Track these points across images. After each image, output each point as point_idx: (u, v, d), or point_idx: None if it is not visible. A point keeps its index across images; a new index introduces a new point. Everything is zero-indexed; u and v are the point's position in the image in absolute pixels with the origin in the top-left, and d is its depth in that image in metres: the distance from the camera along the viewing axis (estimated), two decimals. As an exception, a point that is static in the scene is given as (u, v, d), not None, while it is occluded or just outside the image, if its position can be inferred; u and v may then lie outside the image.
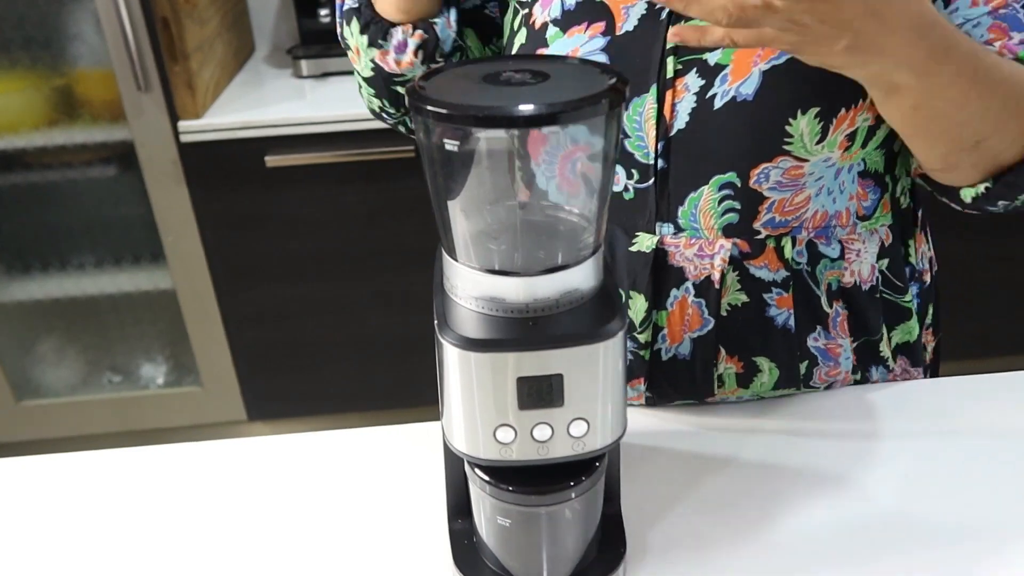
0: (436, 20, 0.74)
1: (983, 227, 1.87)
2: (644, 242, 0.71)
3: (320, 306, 1.84)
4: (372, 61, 0.76)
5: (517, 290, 0.46)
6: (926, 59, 0.55)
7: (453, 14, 0.76)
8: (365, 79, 0.79)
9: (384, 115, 0.84)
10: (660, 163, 0.69)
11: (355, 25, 0.75)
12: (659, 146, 0.68)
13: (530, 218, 0.49)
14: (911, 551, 0.61)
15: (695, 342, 0.73)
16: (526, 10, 0.73)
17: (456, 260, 0.48)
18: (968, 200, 0.72)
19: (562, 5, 0.69)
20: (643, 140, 0.68)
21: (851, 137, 0.66)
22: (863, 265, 0.74)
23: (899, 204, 0.79)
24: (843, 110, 0.65)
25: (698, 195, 0.69)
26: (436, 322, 0.48)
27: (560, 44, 0.69)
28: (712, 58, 0.65)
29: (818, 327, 0.74)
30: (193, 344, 1.87)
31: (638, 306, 0.72)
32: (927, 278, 0.82)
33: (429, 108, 0.42)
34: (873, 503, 0.66)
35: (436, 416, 0.56)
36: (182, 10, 1.54)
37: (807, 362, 0.75)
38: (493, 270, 0.46)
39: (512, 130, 0.42)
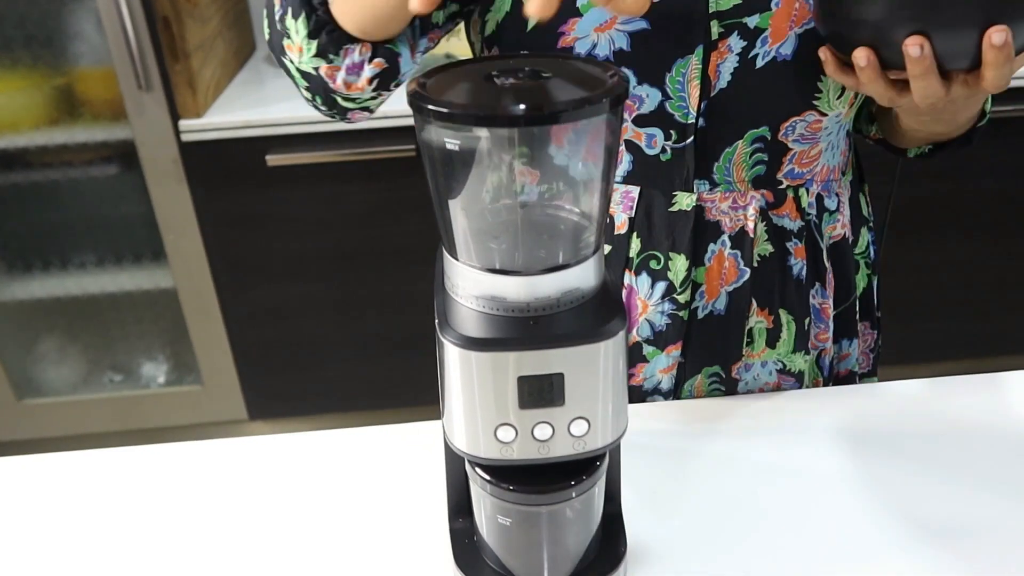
0: (400, 50, 0.68)
1: (984, 228, 1.87)
2: (683, 200, 0.73)
3: (321, 305, 1.84)
4: (316, 70, 0.68)
5: (518, 289, 0.46)
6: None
7: (423, 43, 0.71)
8: (300, 72, 0.70)
9: (316, 108, 0.74)
10: (701, 122, 0.71)
11: (302, 23, 0.65)
12: (701, 105, 0.70)
13: (531, 217, 0.49)
14: (911, 551, 0.61)
15: (730, 295, 0.76)
16: None
17: (457, 259, 0.48)
18: (911, 156, 0.83)
19: None
20: (684, 101, 0.70)
21: (856, 94, 0.73)
22: (847, 218, 0.81)
23: (855, 159, 0.86)
24: None
25: (732, 149, 0.72)
26: (437, 321, 0.48)
27: (595, 13, 0.67)
28: (751, 22, 0.67)
29: (817, 283, 0.79)
30: (194, 343, 1.87)
31: (678, 266, 0.74)
32: (872, 224, 0.89)
33: (431, 108, 0.42)
34: (874, 503, 0.66)
35: (437, 415, 0.56)
36: (183, 9, 1.54)
37: (808, 318, 0.79)
38: (494, 269, 0.46)
39: (513, 129, 0.42)
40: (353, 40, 0.66)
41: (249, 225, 1.72)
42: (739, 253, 0.75)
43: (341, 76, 0.67)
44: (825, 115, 0.71)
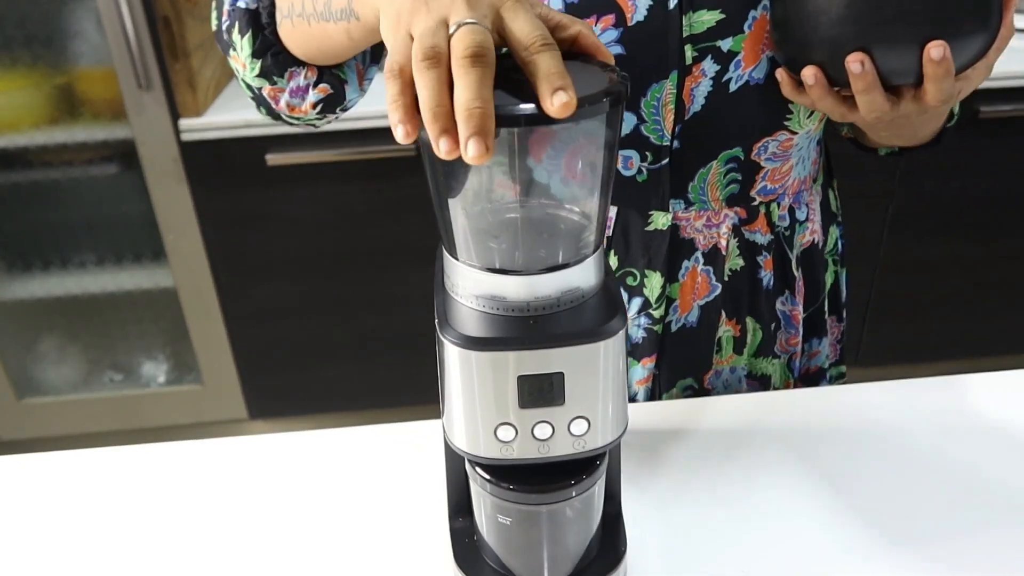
0: (347, 77, 0.67)
1: (984, 228, 1.87)
2: (659, 220, 0.75)
3: (321, 304, 1.84)
4: (259, 89, 0.66)
5: (518, 288, 0.46)
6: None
7: (372, 71, 0.69)
8: (244, 83, 0.68)
9: (260, 110, 0.71)
10: (676, 144, 0.72)
11: (247, 41, 0.64)
12: (675, 128, 0.71)
13: (531, 216, 0.49)
14: (911, 550, 0.61)
15: (702, 308, 0.78)
16: None
17: (457, 258, 0.48)
18: (881, 154, 0.84)
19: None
20: (659, 124, 0.71)
21: None
22: (817, 223, 0.82)
23: (825, 161, 0.88)
24: None
25: (707, 170, 0.73)
26: (436, 320, 0.48)
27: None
28: (725, 45, 0.68)
29: (786, 291, 0.82)
30: (194, 342, 1.87)
31: (654, 283, 0.76)
32: (840, 219, 0.91)
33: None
34: (874, 502, 0.66)
35: (437, 415, 0.56)
36: (183, 8, 1.54)
37: (774, 324, 0.82)
38: (494, 268, 0.46)
39: (514, 129, 0.42)
40: (299, 63, 0.64)
41: (249, 225, 1.72)
42: (711, 269, 0.77)
43: (284, 98, 0.66)
44: (796, 133, 0.74)
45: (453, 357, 0.47)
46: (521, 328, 0.46)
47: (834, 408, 0.76)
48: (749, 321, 0.81)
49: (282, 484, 0.70)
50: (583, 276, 0.48)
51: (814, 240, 0.83)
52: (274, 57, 0.64)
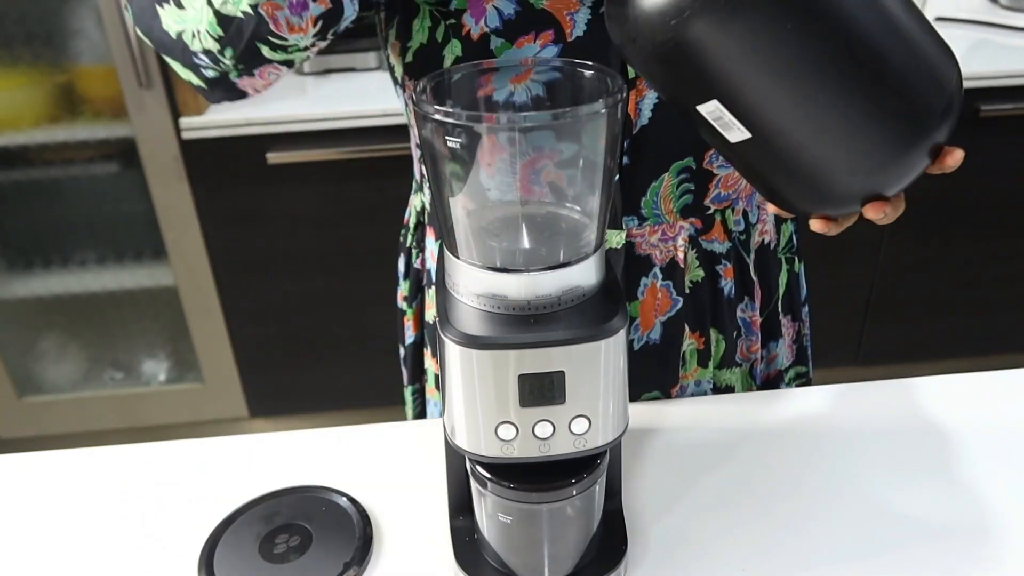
0: None
1: (984, 227, 1.87)
2: (613, 239, 0.73)
3: (322, 303, 1.84)
4: (252, 8, 0.58)
5: (519, 287, 0.46)
6: None
7: None
8: (216, 19, 0.59)
9: (206, 83, 0.64)
10: (625, 160, 0.70)
11: None
12: (624, 144, 0.70)
13: (532, 215, 0.49)
14: (911, 549, 0.61)
15: (664, 324, 0.77)
16: (451, 20, 0.66)
17: (458, 257, 0.48)
18: None
19: (500, 15, 0.65)
20: None
21: None
22: (769, 223, 0.81)
23: None
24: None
25: (659, 183, 0.72)
26: (437, 319, 0.48)
27: (510, 55, 0.66)
28: None
29: (745, 297, 0.80)
30: (195, 341, 1.87)
31: None
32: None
33: (432, 108, 0.43)
34: (874, 501, 0.66)
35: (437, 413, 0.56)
36: (184, 7, 1.53)
37: (735, 332, 0.81)
38: (495, 267, 0.47)
39: (514, 129, 0.42)
40: None
41: (250, 223, 1.72)
42: (671, 283, 0.76)
43: (284, 15, 0.59)
44: None
45: (454, 356, 0.47)
46: (522, 327, 0.47)
47: (834, 407, 0.76)
48: (712, 332, 0.80)
49: (282, 483, 0.70)
50: (584, 275, 0.48)
51: (764, 241, 0.81)
52: None
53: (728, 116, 0.49)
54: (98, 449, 0.76)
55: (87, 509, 0.69)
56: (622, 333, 0.48)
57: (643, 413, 0.77)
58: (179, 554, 0.64)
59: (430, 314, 0.88)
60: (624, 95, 0.45)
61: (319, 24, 0.60)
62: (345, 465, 0.72)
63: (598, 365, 0.47)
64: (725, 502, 0.66)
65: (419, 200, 0.87)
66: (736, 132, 0.50)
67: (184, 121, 1.59)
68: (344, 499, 0.67)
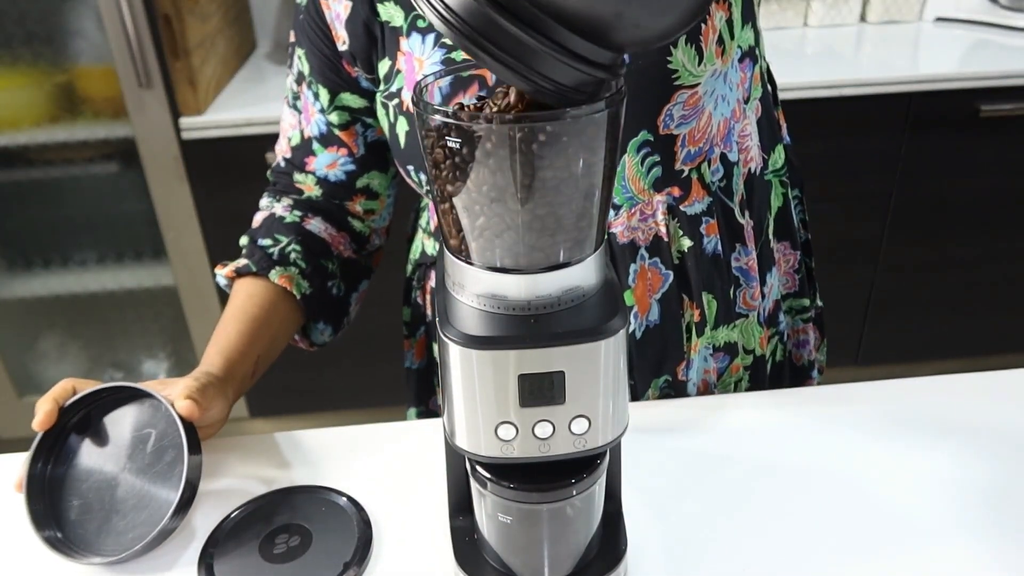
0: (312, 335, 0.88)
1: (984, 227, 1.87)
2: None
3: (321, 303, 1.84)
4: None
5: (519, 287, 0.46)
6: None
7: (320, 324, 0.88)
8: None
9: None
10: None
11: None
12: None
13: (532, 215, 0.49)
14: (911, 549, 0.62)
15: (660, 302, 0.76)
16: (395, 100, 0.73)
17: (458, 258, 0.48)
18: None
19: (439, 91, 0.66)
20: None
21: (720, 40, 0.70)
22: (754, 148, 0.79)
23: (762, 73, 0.81)
24: (703, 24, 0.68)
25: (621, 167, 0.71)
26: (438, 319, 0.48)
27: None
28: None
29: (737, 245, 0.78)
30: (194, 340, 1.87)
31: None
32: (784, 135, 0.86)
33: (435, 109, 0.43)
34: (874, 501, 0.66)
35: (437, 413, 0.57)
36: (184, 6, 1.53)
37: (732, 287, 0.79)
38: (495, 267, 0.47)
39: (514, 129, 0.42)
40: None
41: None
42: (658, 259, 0.75)
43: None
44: (696, 85, 0.69)
45: (454, 356, 0.47)
46: (522, 327, 0.47)
47: (834, 407, 0.76)
48: (704, 295, 0.78)
49: (282, 483, 0.70)
50: (584, 275, 0.48)
51: (751, 169, 0.78)
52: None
53: None
54: (98, 449, 0.75)
55: (87, 509, 0.69)
56: (622, 333, 0.48)
57: (643, 413, 0.77)
58: (179, 554, 0.64)
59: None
60: (623, 94, 0.45)
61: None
62: (345, 465, 0.72)
63: (598, 365, 0.47)
64: (725, 502, 0.66)
65: (419, 245, 0.91)
66: None
67: (184, 121, 1.59)
68: (344, 499, 0.67)
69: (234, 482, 0.71)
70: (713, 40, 0.69)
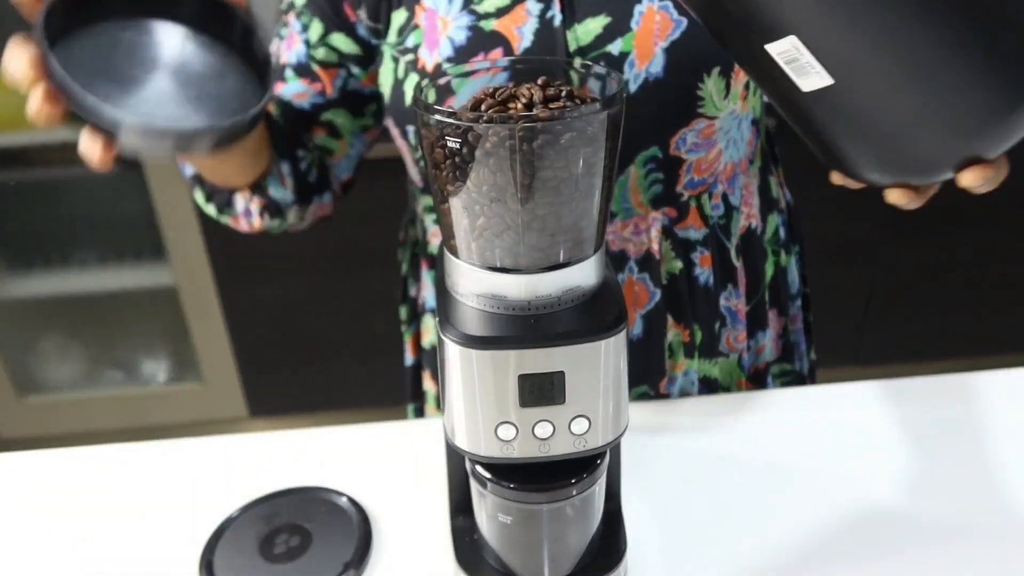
0: (267, 182, 0.72)
1: (984, 227, 1.87)
2: None
3: (321, 303, 1.84)
4: (227, 225, 0.79)
5: (519, 287, 0.46)
6: None
7: (285, 166, 0.73)
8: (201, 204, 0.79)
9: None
10: None
11: (199, 193, 0.76)
12: None
13: (532, 215, 0.49)
14: (912, 549, 0.62)
15: (645, 318, 0.76)
16: (409, 56, 0.70)
17: (458, 258, 0.48)
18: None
19: (452, 43, 0.67)
20: None
21: (747, 86, 0.72)
22: (754, 208, 0.80)
23: (765, 144, 0.85)
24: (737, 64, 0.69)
25: (625, 177, 0.71)
26: (437, 319, 0.48)
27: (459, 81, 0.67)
28: (615, 48, 0.66)
29: (728, 284, 0.79)
30: (195, 341, 1.87)
31: None
32: (783, 206, 0.87)
33: (435, 109, 0.43)
34: (874, 501, 0.66)
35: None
36: (184, 7, 1.53)
37: (718, 323, 0.79)
38: (495, 267, 0.47)
39: (515, 129, 0.42)
40: (233, 191, 0.74)
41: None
42: (647, 276, 0.75)
43: (243, 221, 0.76)
44: (715, 118, 0.70)
45: (454, 356, 0.47)
46: (522, 327, 0.47)
47: (833, 407, 0.76)
48: (694, 325, 0.78)
49: (282, 482, 0.70)
50: (583, 275, 0.48)
51: (751, 226, 0.80)
52: (217, 195, 0.75)
53: (807, 57, 0.40)
54: (98, 448, 0.76)
55: (87, 508, 0.69)
56: (622, 333, 0.48)
57: (643, 413, 0.77)
58: (179, 554, 0.64)
59: (427, 340, 0.90)
60: (624, 93, 0.45)
61: (266, 215, 0.75)
62: (345, 465, 0.72)
63: (598, 365, 0.47)
64: (725, 502, 0.66)
65: (414, 233, 0.89)
66: (814, 77, 0.41)
67: (184, 121, 1.59)
68: (344, 499, 0.67)
69: (234, 482, 0.71)
70: (741, 81, 0.70)
